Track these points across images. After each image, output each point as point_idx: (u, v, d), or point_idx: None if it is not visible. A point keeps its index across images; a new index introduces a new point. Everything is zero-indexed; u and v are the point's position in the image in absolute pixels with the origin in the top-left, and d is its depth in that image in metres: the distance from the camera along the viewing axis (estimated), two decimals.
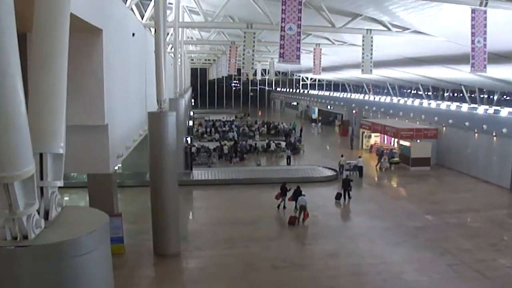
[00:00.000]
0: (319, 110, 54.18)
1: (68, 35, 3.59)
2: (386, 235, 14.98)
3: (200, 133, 38.22)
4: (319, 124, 45.51)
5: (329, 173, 23.67)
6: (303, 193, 16.93)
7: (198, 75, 76.46)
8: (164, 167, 12.10)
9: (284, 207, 17.72)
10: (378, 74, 36.97)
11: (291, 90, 70.95)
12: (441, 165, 26.55)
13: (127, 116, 11.62)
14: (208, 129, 40.13)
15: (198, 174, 23.04)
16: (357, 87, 58.52)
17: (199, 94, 77.29)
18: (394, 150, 27.16)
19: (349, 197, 19.18)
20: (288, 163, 26.72)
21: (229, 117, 52.38)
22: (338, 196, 19.09)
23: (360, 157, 24.91)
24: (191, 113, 44.78)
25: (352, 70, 40.36)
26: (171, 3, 23.07)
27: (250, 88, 79.95)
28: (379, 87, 51.54)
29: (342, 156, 24.64)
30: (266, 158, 29.64)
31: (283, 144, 31.02)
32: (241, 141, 32.25)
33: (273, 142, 31.19)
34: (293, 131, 40.49)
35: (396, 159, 25.52)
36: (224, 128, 40.93)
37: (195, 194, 21.35)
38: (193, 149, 26.53)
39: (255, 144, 31.11)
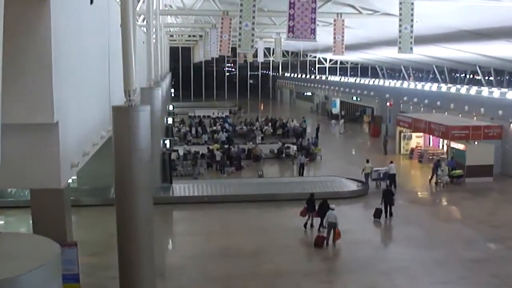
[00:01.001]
0: (341, 102, 54.24)
1: (2, 3, 3.57)
2: (434, 269, 14.92)
3: (183, 134, 38.26)
4: (342, 121, 45.51)
5: (355, 186, 23.66)
6: (332, 206, 17.38)
7: (179, 57, 76.78)
8: (134, 180, 12.06)
9: (312, 225, 18.35)
10: (421, 53, 36.99)
11: (303, 76, 71.05)
12: (507, 175, 26.50)
13: (85, 112, 11.60)
14: (193, 129, 40.14)
15: (180, 189, 23.03)
16: (393, 71, 58.56)
17: (181, 82, 77.54)
18: (453, 158, 26.53)
19: (391, 215, 19.61)
20: (301, 173, 26.73)
21: (221, 112, 52.44)
22: (377, 214, 19.51)
23: (391, 162, 25.00)
24: (171, 108, 44.72)
25: (386, 49, 40.32)
26: None
27: (249, 73, 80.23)
28: (422, 71, 51.56)
29: (367, 161, 24.78)
30: (278, 166, 29.73)
31: (294, 148, 31.00)
32: (236, 144, 32.25)
33: (293, 145, 31.16)
34: (306, 131, 40.53)
35: (459, 171, 25.17)
36: (214, 127, 40.98)
37: (176, 216, 21.29)
38: (174, 156, 26.52)
39: (255, 147, 31.06)
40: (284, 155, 30.72)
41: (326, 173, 26.70)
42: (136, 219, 12.23)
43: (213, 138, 36.30)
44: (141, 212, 12.29)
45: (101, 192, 21.44)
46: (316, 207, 18.26)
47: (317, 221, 18.32)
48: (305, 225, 18.34)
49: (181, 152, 29.61)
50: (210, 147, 30.24)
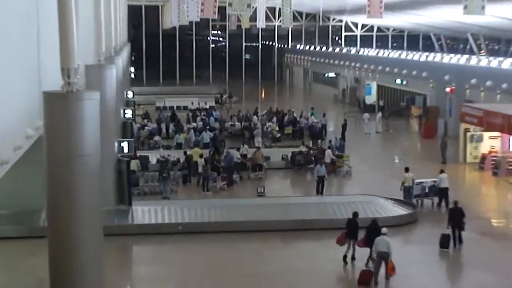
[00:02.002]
0: (379, 87, 54.22)
1: None
2: None
3: (148, 134, 38.19)
4: (379, 114, 45.37)
5: (401, 210, 23.62)
6: (383, 230, 17.64)
7: (142, 21, 76.64)
8: (75, 201, 11.98)
9: (353, 257, 18.78)
10: (498, 14, 36.91)
11: (324, 48, 71.03)
12: None
13: (0, 101, 11.50)
14: (164, 126, 40.11)
15: (144, 213, 22.92)
16: (455, 42, 58.62)
17: (144, 57, 77.31)
18: None
19: (460, 242, 20.02)
20: (320, 191, 26.64)
21: (204, 102, 52.37)
22: (445, 241, 19.85)
23: (442, 171, 25.03)
24: (130, 95, 44.63)
25: (446, 8, 40.34)
26: None
27: (244, 45, 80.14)
28: (498, 41, 51.59)
29: (407, 170, 24.88)
30: (287, 180, 29.75)
31: (329, 153, 30.61)
32: (226, 148, 32.20)
33: (328, 149, 31.03)
34: (326, 130, 40.62)
35: None
36: (193, 124, 40.90)
37: (137, 253, 21.19)
38: (134, 165, 26.44)
39: (256, 152, 30.90)
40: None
41: (357, 191, 26.62)
42: (78, 258, 12.13)
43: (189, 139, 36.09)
44: (86, 248, 12.18)
45: (27, 218, 21.29)
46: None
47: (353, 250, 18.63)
48: (344, 258, 18.64)
49: (153, 160, 29.46)
50: (188, 152, 30.16)
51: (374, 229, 18.15)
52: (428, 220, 22.87)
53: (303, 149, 32.02)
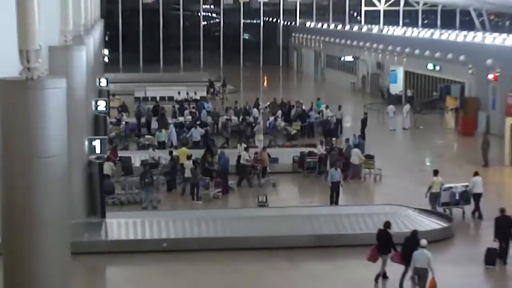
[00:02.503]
0: (406, 74, 54.28)
1: None
2: None
3: (124, 130, 38.23)
4: (407, 107, 45.34)
5: (434, 223, 23.62)
6: (422, 242, 17.68)
7: None
8: (35, 212, 11.99)
9: (384, 275, 18.96)
10: None
11: (339, 27, 70.97)
12: None
13: None
14: (144, 121, 40.19)
15: (120, 227, 22.97)
16: (500, 18, 58.51)
17: (121, 37, 77.28)
18: None
19: (504, 260, 20.09)
20: (335, 200, 26.62)
21: (193, 91, 52.52)
22: (491, 257, 19.92)
23: (476, 174, 25.12)
24: (103, 83, 44.61)
25: None
26: None
27: (242, 23, 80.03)
28: None
29: (436, 173, 24.90)
30: (296, 187, 29.83)
31: (357, 152, 30.51)
32: (220, 147, 32.23)
33: (356, 148, 30.94)
34: (342, 126, 40.77)
35: None
36: (181, 119, 40.93)
37: (112, 276, 21.25)
38: (108, 169, 26.47)
39: (262, 152, 30.90)
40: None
41: (380, 200, 26.65)
42: (40, 280, 12.15)
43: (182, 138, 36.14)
44: (49, 268, 12.20)
45: None
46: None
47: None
48: (376, 278, 18.79)
49: (136, 162, 29.59)
50: (174, 152, 30.17)
51: (411, 240, 18.23)
52: (465, 234, 22.88)
53: (321, 150, 31.95)
